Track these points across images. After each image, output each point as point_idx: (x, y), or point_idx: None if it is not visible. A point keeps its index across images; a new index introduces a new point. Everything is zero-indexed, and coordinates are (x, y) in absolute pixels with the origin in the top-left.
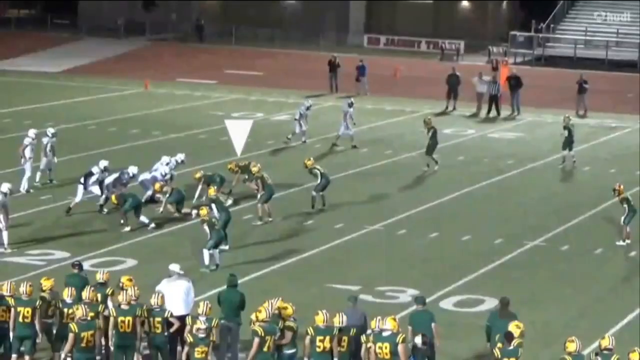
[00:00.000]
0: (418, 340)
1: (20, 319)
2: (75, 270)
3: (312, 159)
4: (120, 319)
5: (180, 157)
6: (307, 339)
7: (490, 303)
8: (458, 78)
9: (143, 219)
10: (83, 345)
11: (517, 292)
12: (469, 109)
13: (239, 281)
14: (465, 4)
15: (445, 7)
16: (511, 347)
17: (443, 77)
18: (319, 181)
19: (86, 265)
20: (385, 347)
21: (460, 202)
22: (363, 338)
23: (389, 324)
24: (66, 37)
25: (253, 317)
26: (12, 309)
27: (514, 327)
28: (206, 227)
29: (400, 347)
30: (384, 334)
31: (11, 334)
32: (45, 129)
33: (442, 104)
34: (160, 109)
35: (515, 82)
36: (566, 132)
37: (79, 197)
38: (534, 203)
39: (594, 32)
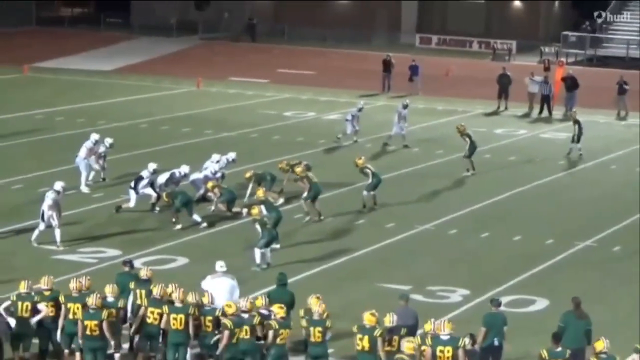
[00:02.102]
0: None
1: (70, 316)
2: (126, 268)
3: (363, 158)
4: (172, 316)
5: (231, 155)
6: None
7: (541, 303)
8: (509, 78)
9: (196, 217)
10: (88, 333)
11: (568, 292)
12: (521, 109)
13: (289, 280)
14: (517, 3)
15: (497, 7)
16: (559, 349)
17: (495, 77)
18: (370, 180)
19: (137, 264)
20: (448, 351)
21: (511, 202)
22: (417, 340)
23: (448, 328)
24: (119, 35)
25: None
26: (63, 306)
27: None
28: (258, 226)
29: (460, 352)
30: (444, 337)
31: (59, 331)
32: (98, 127)
33: (494, 104)
34: (212, 107)
35: (571, 83)
36: (576, 126)
37: (132, 203)
38: (585, 203)
39: None
